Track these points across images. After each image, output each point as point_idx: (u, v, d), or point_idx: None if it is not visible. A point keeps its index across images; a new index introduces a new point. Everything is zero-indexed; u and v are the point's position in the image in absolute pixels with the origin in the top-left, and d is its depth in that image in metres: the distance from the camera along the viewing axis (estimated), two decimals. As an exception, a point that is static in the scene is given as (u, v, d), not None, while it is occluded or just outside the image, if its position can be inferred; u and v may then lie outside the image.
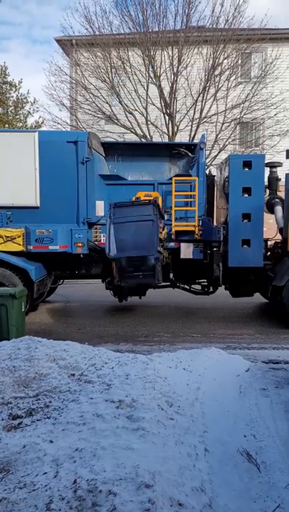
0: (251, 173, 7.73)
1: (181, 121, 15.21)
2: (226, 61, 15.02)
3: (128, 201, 6.92)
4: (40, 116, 17.88)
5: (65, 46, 16.66)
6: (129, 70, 15.08)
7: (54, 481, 2.74)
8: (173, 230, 7.87)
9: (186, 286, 8.74)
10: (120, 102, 15.29)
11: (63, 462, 2.94)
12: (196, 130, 15.26)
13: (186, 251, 8.04)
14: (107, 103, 15.45)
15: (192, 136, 15.16)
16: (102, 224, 7.93)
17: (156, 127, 15.46)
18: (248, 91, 15.32)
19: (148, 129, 15.04)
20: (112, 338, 6.23)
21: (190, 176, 8.12)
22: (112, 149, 8.84)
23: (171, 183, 7.97)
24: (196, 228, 7.87)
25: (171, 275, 8.43)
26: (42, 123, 17.54)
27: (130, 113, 15.31)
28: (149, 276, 6.05)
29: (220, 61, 14.88)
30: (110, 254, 6.12)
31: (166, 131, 15.48)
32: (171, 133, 15.38)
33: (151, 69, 14.98)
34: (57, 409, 3.72)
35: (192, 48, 14.69)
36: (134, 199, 7.76)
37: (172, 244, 8.05)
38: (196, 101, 15.02)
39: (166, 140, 15.03)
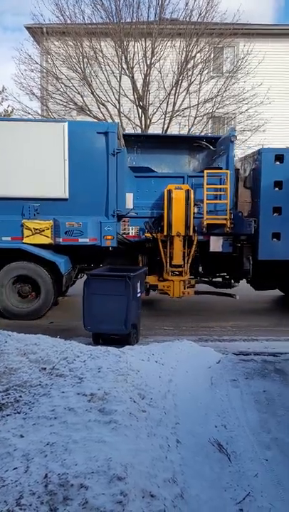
0: (283, 167, 7.70)
1: (154, 114, 15.15)
2: (198, 55, 15.02)
3: (103, 272, 6.76)
4: (9, 106, 17.48)
5: (35, 34, 16.27)
6: (102, 60, 14.88)
7: (25, 476, 2.70)
8: (205, 223, 7.80)
9: (213, 280, 8.55)
10: (92, 93, 15.08)
11: (34, 457, 2.90)
12: (169, 123, 15.24)
13: (216, 244, 7.97)
14: (79, 94, 15.21)
15: (165, 129, 15.13)
16: (132, 217, 7.92)
17: (129, 119, 15.35)
18: (220, 85, 15.38)
19: (121, 121, 14.92)
20: (84, 332, 6.20)
21: (221, 168, 8.06)
22: (131, 141, 8.71)
23: (200, 176, 7.93)
24: (228, 221, 7.83)
25: (200, 268, 8.31)
26: (11, 112, 17.10)
27: (103, 104, 15.14)
28: (124, 341, 6.01)
29: (193, 54, 14.87)
30: (86, 327, 6.05)
31: (138, 123, 15.40)
32: (144, 126, 15.30)
33: (124, 60, 14.84)
34: (27, 403, 3.66)
35: (165, 40, 14.62)
36: (165, 191, 7.66)
37: (201, 237, 7.98)
38: (169, 94, 14.98)
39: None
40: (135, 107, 15.40)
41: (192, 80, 15.10)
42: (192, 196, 7.64)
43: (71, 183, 7.39)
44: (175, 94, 15.04)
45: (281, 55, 17.84)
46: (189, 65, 14.98)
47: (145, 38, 14.57)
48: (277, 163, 7.72)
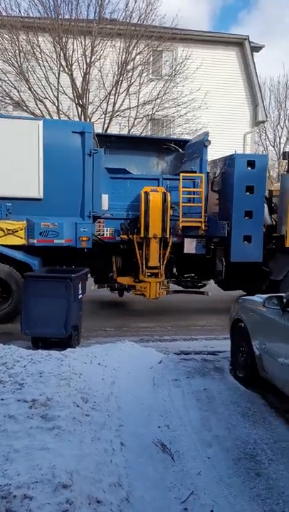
0: (254, 173, 7.90)
1: (94, 113, 15.02)
2: (138, 57, 15.11)
3: (43, 274, 6.59)
4: None
5: None
6: (40, 56, 14.51)
7: None
8: (180, 225, 7.84)
9: (182, 280, 8.57)
10: (30, 89, 14.67)
11: (-27, 470, 2.76)
12: (109, 123, 15.18)
13: (190, 246, 8.08)
14: (15, 88, 14.73)
15: (105, 128, 15.05)
16: (107, 218, 7.79)
17: (68, 117, 15.10)
18: (159, 88, 15.57)
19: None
20: (24, 336, 5.99)
21: (195, 172, 8.10)
22: (100, 141, 8.43)
23: (175, 179, 7.97)
24: (203, 224, 7.94)
25: (175, 270, 8.32)
26: None
27: (40, 101, 14.77)
28: (65, 343, 5.84)
29: (132, 56, 14.93)
30: (24, 331, 5.81)
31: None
32: (83, 124, 15.12)
33: (62, 57, 14.56)
34: None
35: (105, 40, 14.55)
36: (142, 193, 7.58)
37: (176, 239, 8.01)
38: (109, 94, 14.93)
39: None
40: (74, 105, 15.19)
41: (132, 81, 15.16)
42: (169, 199, 7.66)
43: (46, 182, 7.17)
44: (115, 95, 15.02)
45: (218, 62, 18.41)
46: (129, 67, 15.02)
47: (85, 36, 14.40)
48: (249, 168, 7.92)
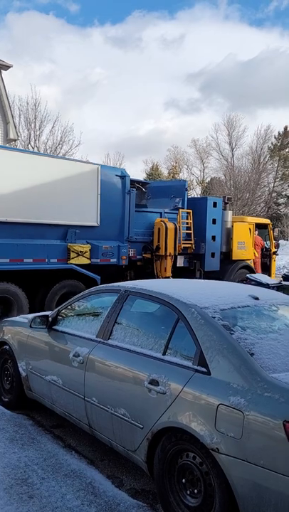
0: (216, 210, 11.18)
1: None
2: None
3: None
4: None
5: None
6: None
7: None
8: (181, 246, 10.31)
9: None
10: None
11: None
12: None
13: (180, 261, 10.60)
14: None
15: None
16: (133, 241, 9.64)
17: None
18: None
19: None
20: None
21: (183, 208, 10.73)
22: None
23: (172, 212, 10.46)
24: (193, 245, 10.68)
25: (170, 277, 10.54)
26: None
27: None
28: None
29: None
30: None
31: None
32: None
33: None
34: None
35: None
36: (161, 223, 9.91)
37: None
38: None
39: None
40: None
41: None
42: (179, 227, 10.16)
43: (101, 213, 8.82)
44: None
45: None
46: None
47: None
48: (213, 207, 11.04)
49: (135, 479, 3.45)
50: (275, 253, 13.42)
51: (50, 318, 4.29)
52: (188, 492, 2.82)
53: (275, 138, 44.61)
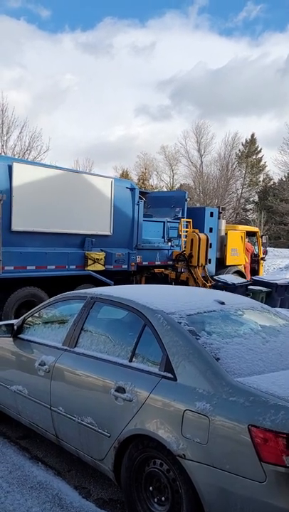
0: (213, 219, 11.99)
1: None
2: None
3: None
4: None
5: None
6: None
7: None
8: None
9: None
10: None
11: None
12: None
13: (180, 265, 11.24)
14: None
15: None
16: (140, 249, 10.22)
17: None
18: None
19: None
20: None
21: (184, 217, 11.37)
22: None
23: (174, 222, 11.17)
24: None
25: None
26: None
27: None
28: None
29: None
30: None
31: None
32: None
33: None
34: None
35: None
36: (194, 234, 10.54)
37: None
38: None
39: None
40: None
41: None
42: (209, 238, 10.96)
43: (113, 223, 9.44)
44: None
45: None
46: None
47: None
48: (210, 216, 11.87)
49: (103, 489, 3.39)
50: (262, 259, 14.43)
51: (15, 327, 4.19)
52: (155, 500, 2.79)
53: (242, 145, 45.68)
